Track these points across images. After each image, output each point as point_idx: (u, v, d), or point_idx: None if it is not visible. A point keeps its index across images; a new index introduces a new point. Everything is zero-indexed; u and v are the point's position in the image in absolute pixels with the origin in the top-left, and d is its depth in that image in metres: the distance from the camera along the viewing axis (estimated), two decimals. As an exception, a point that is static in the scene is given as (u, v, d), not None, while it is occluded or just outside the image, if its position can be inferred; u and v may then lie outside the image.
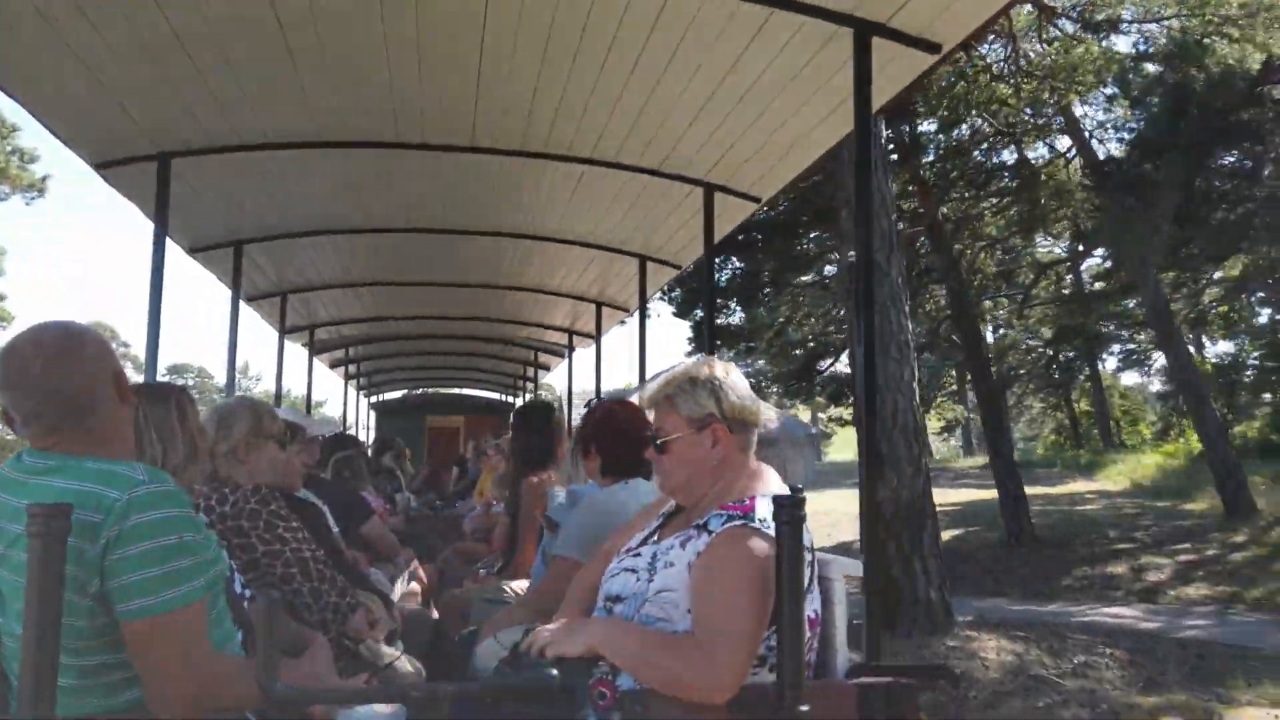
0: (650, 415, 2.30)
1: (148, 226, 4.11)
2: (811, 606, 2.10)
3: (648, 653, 1.94)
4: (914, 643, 8.42)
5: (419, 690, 1.49)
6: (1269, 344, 30.88)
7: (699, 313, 18.72)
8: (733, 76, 3.33)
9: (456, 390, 16.56)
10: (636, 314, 6.73)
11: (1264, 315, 31.39)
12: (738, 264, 19.79)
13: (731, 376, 2.21)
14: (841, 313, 19.97)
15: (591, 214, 5.35)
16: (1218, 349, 38.21)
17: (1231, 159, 18.67)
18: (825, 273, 20.95)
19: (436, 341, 10.69)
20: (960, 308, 16.95)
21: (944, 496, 26.39)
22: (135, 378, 2.31)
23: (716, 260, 16.91)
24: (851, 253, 9.10)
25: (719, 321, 19.25)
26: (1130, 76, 17.75)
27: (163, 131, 3.85)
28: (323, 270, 6.73)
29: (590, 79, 3.46)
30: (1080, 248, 23.74)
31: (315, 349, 9.32)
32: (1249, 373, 32.55)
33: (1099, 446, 38.51)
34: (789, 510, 1.86)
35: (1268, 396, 32.67)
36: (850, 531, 18.77)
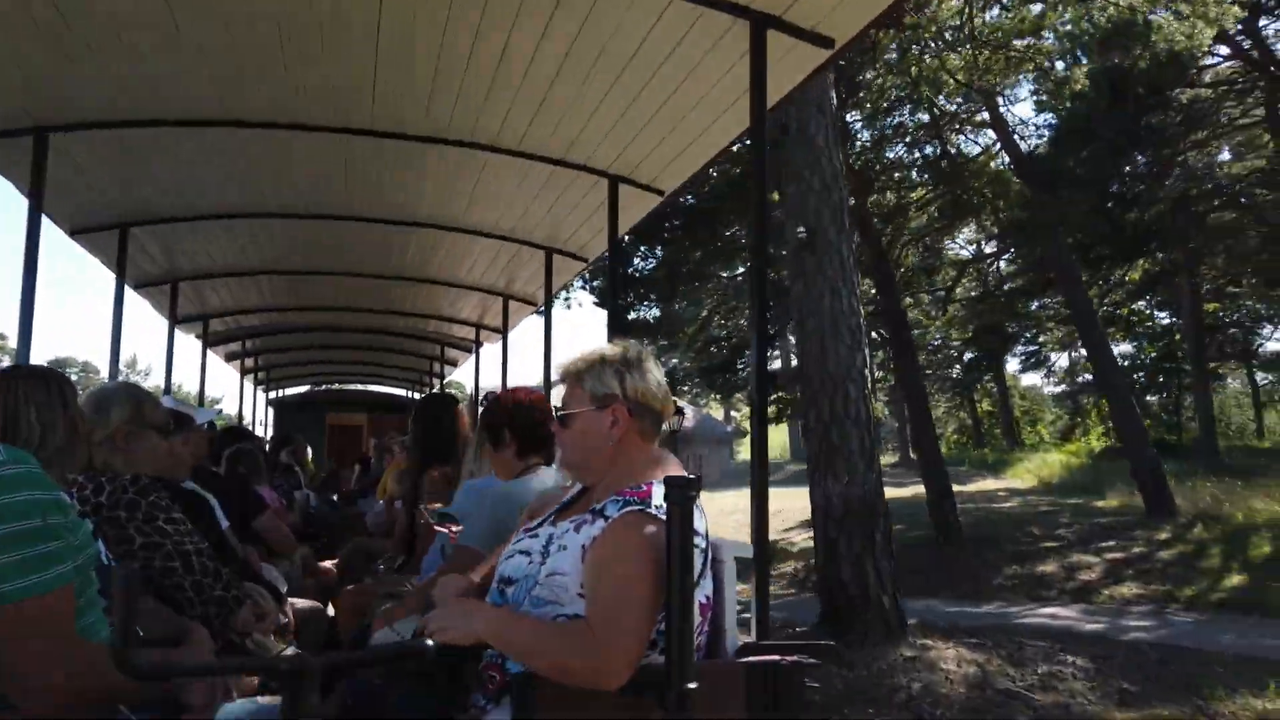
0: (560, 390, 2.31)
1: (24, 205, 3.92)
2: (704, 591, 2.13)
3: (537, 641, 1.93)
4: (867, 653, 7.81)
5: (286, 662, 1.45)
6: (1165, 346, 32.27)
7: (619, 302, 18.40)
8: (634, 66, 3.35)
9: (359, 386, 16.21)
10: (547, 307, 6.69)
11: (1164, 317, 32.94)
12: (660, 253, 19.19)
13: (644, 363, 2.25)
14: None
15: (496, 204, 5.30)
16: (1118, 350, 40.03)
17: (1144, 160, 19.05)
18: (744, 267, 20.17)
19: (339, 335, 10.42)
20: (889, 301, 16.76)
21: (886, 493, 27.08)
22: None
23: (640, 249, 16.65)
24: (801, 229, 8.93)
25: (638, 315, 18.77)
26: (1059, 63, 17.69)
27: (40, 104, 3.66)
28: (217, 257, 6.48)
29: (491, 64, 3.43)
30: (997, 245, 24.01)
31: (209, 341, 8.99)
32: (1143, 374, 34.02)
33: (1003, 445, 39.74)
34: (679, 492, 1.88)
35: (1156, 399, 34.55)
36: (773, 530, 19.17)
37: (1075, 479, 24.54)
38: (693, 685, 1.83)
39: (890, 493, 24.55)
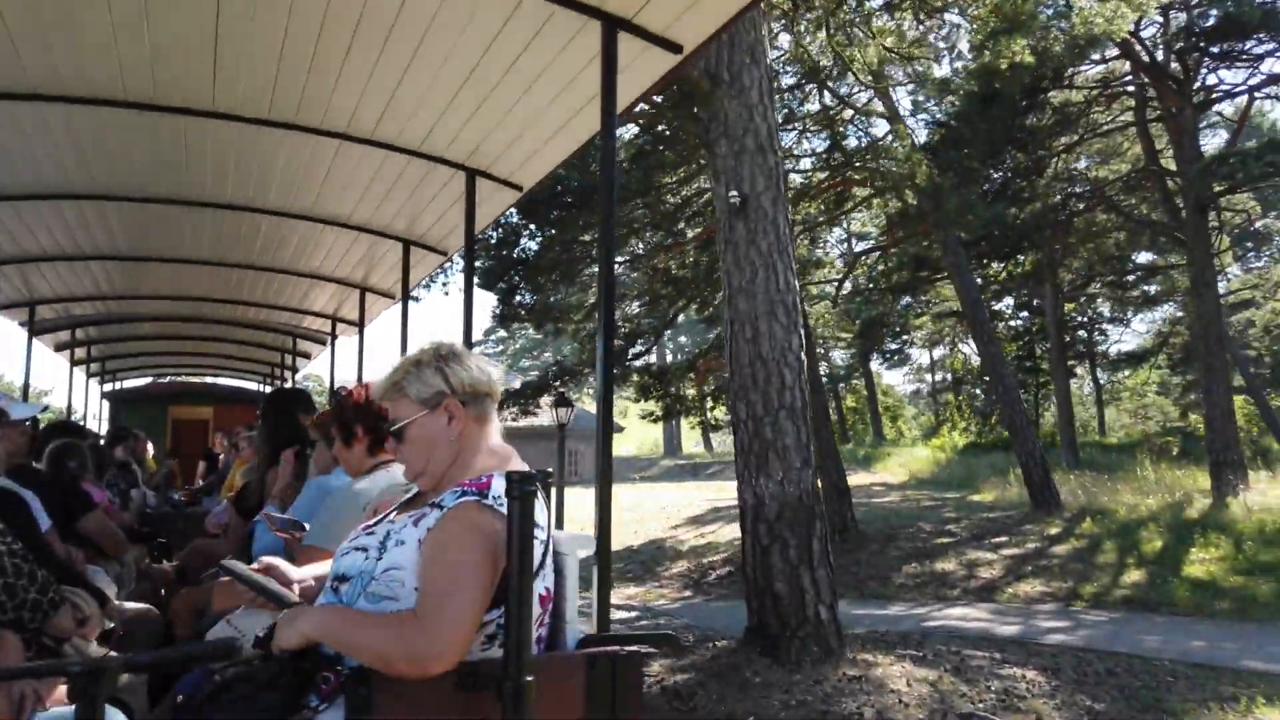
0: (388, 406, 2.27)
1: None
2: (544, 583, 2.14)
3: (361, 633, 1.91)
4: (806, 675, 7.16)
5: (78, 664, 1.38)
6: (1027, 345, 33.81)
7: (505, 285, 17.37)
8: (489, 60, 3.34)
9: (206, 379, 15.43)
10: (405, 300, 6.55)
11: (1023, 316, 34.37)
12: (547, 235, 17.64)
13: (459, 353, 2.24)
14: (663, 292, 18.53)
15: (351, 194, 5.16)
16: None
17: (1022, 160, 19.32)
18: (642, 248, 19.15)
19: (183, 325, 9.88)
20: None
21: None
22: None
23: (529, 229, 16.20)
24: (734, 193, 8.10)
25: (523, 301, 17.85)
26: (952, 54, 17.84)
27: None
28: (44, 240, 6.05)
29: (341, 47, 3.35)
30: (888, 238, 23.19)
31: (35, 329, 8.38)
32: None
33: (869, 441, 40.52)
34: (519, 485, 1.90)
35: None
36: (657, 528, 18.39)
37: (945, 474, 25.04)
38: (529, 678, 1.86)
39: None
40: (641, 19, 2.83)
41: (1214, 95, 19.69)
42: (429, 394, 2.18)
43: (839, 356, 43.79)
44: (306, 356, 11.30)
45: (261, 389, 14.48)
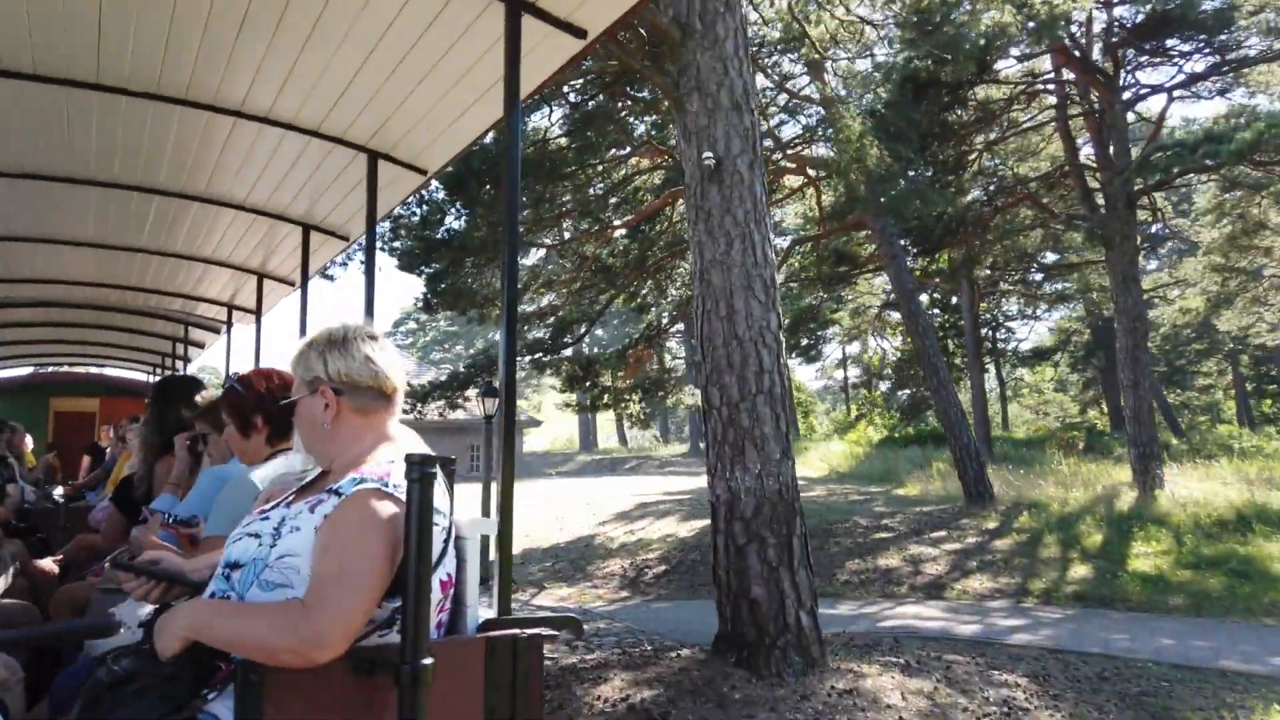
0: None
1: None
2: (446, 570, 2.13)
3: (240, 625, 1.88)
4: (791, 689, 6.57)
5: None
6: (942, 339, 34.75)
7: (431, 268, 16.20)
8: (390, 39, 3.27)
9: (91, 369, 14.72)
10: (304, 287, 6.37)
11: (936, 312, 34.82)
12: (470, 214, 16.20)
13: (352, 342, 2.22)
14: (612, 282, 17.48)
15: (247, 175, 4.99)
16: (895, 344, 42.02)
17: (946, 155, 19.20)
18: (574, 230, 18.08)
19: (67, 311, 9.39)
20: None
21: (668, 484, 25.25)
22: None
23: (455, 207, 15.50)
24: (708, 155, 7.51)
25: (448, 285, 16.35)
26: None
27: None
28: None
29: (234, 19, 3.23)
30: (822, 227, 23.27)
31: None
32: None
33: (788, 435, 41.77)
34: (419, 469, 1.88)
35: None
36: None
37: (864, 468, 24.99)
38: (428, 661, 1.85)
39: (695, 483, 24.88)
40: (546, 2, 2.82)
41: (1142, 92, 19.77)
42: (309, 377, 2.21)
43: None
44: (200, 346, 10.88)
45: (151, 380, 13.89)
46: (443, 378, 19.27)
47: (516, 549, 15.01)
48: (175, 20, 3.28)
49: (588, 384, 18.56)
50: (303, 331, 6.04)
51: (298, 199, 5.30)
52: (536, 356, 18.53)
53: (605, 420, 61.83)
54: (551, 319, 18.89)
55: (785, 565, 7.01)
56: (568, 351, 19.85)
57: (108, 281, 7.89)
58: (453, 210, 16.20)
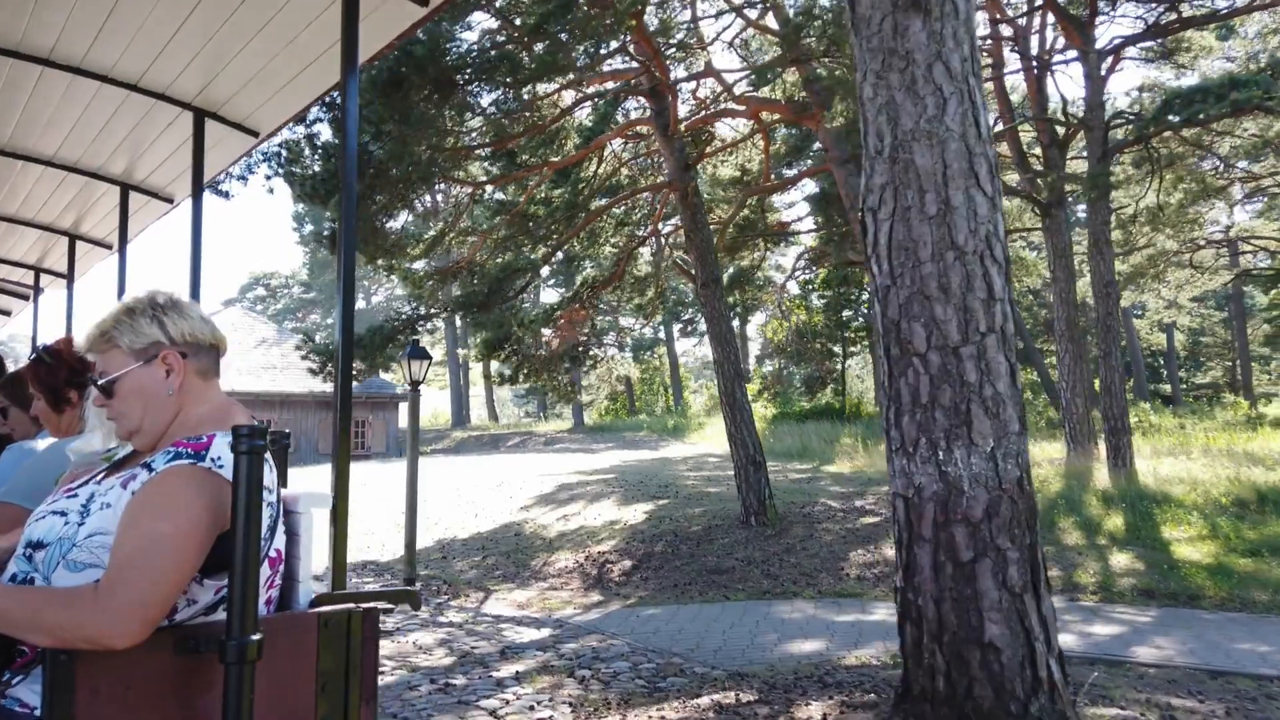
0: (95, 362, 2.11)
1: None
2: (275, 545, 2.09)
3: (34, 615, 1.76)
4: None
5: None
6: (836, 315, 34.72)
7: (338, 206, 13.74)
8: None
9: None
10: (122, 251, 5.96)
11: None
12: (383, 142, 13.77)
13: (179, 302, 2.13)
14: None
15: (57, 128, 4.62)
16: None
17: None
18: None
19: None
20: (699, 231, 14.21)
21: (573, 462, 22.79)
22: None
23: (372, 132, 13.78)
24: None
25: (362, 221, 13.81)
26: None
27: None
28: None
29: None
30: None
31: None
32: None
33: (668, 412, 40.55)
34: (247, 440, 1.84)
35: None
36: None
37: (778, 445, 23.45)
38: (255, 637, 1.82)
39: (598, 462, 23.45)
40: None
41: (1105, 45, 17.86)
42: (143, 344, 2.04)
43: (627, 323, 43.48)
44: (6, 313, 10.00)
45: None
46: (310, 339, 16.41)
47: (429, 539, 13.88)
48: None
49: (509, 351, 16.58)
50: (121, 297, 5.68)
51: (115, 156, 4.95)
52: (464, 313, 16.41)
53: (475, 394, 59.85)
54: (475, 276, 16.65)
55: (1029, 591, 4.65)
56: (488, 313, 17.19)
57: None
58: (370, 130, 13.26)
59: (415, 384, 11.52)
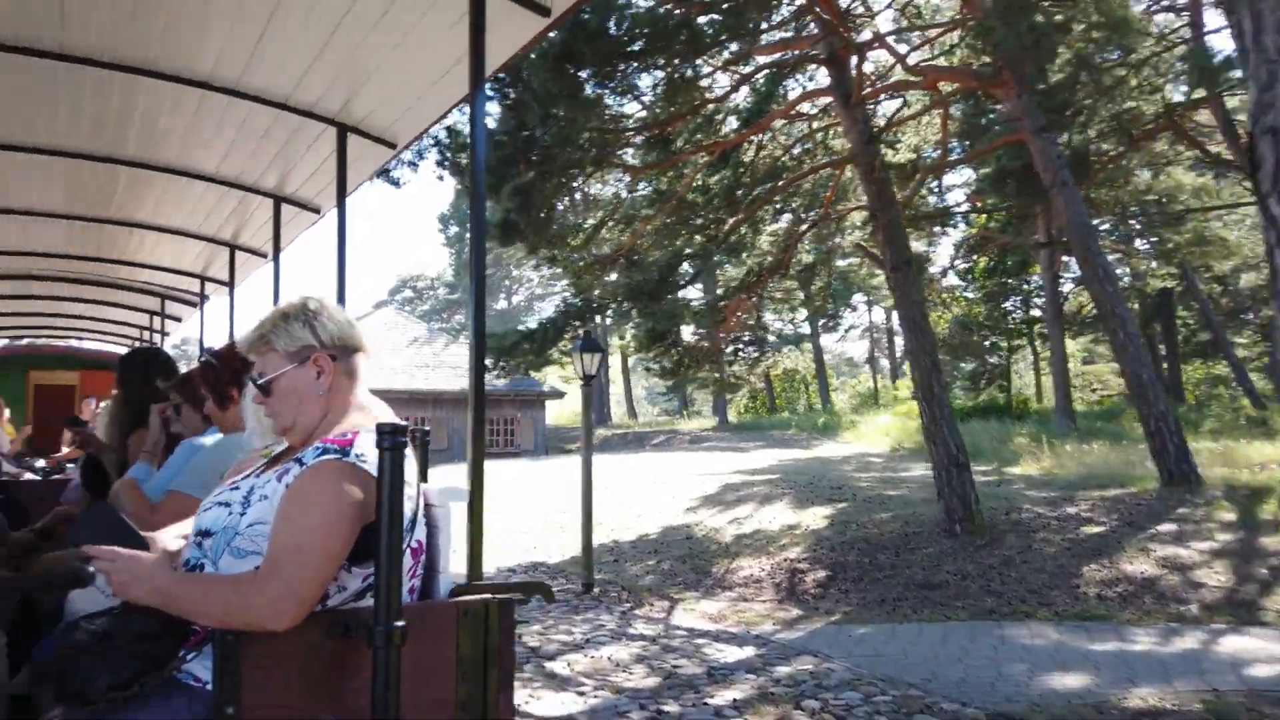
0: (254, 362, 2.27)
1: None
2: (416, 536, 2.19)
3: (205, 602, 1.91)
4: None
5: None
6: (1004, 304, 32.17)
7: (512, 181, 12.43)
8: (361, 9, 3.29)
9: (71, 343, 14.64)
10: (276, 260, 6.37)
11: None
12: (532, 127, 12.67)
13: (326, 306, 2.26)
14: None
15: (217, 146, 4.99)
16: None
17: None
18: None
19: (43, 284, 9.34)
20: (889, 210, 12.94)
21: (732, 461, 21.14)
22: None
23: (540, 114, 12.49)
24: None
25: (505, 217, 13.01)
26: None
27: None
28: None
29: None
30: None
31: None
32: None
33: (827, 409, 37.97)
34: (389, 437, 1.94)
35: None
36: None
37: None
38: (400, 623, 1.92)
39: (757, 461, 22.05)
40: None
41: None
42: (297, 347, 2.18)
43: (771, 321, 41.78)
44: (177, 319, 10.85)
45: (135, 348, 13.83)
46: (530, 327, 15.66)
47: (598, 539, 12.21)
48: None
49: (669, 343, 15.54)
50: (276, 303, 6.08)
51: (268, 171, 5.30)
52: (618, 306, 15.20)
53: (612, 391, 57.30)
54: (632, 266, 15.33)
55: None
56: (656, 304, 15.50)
57: (81, 253, 7.85)
58: (538, 111, 12.00)
59: (588, 378, 10.50)
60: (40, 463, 8.88)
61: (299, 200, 5.68)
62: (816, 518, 12.90)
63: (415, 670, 2.07)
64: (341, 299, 4.42)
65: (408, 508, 2.07)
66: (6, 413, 9.66)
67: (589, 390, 10.60)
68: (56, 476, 7.55)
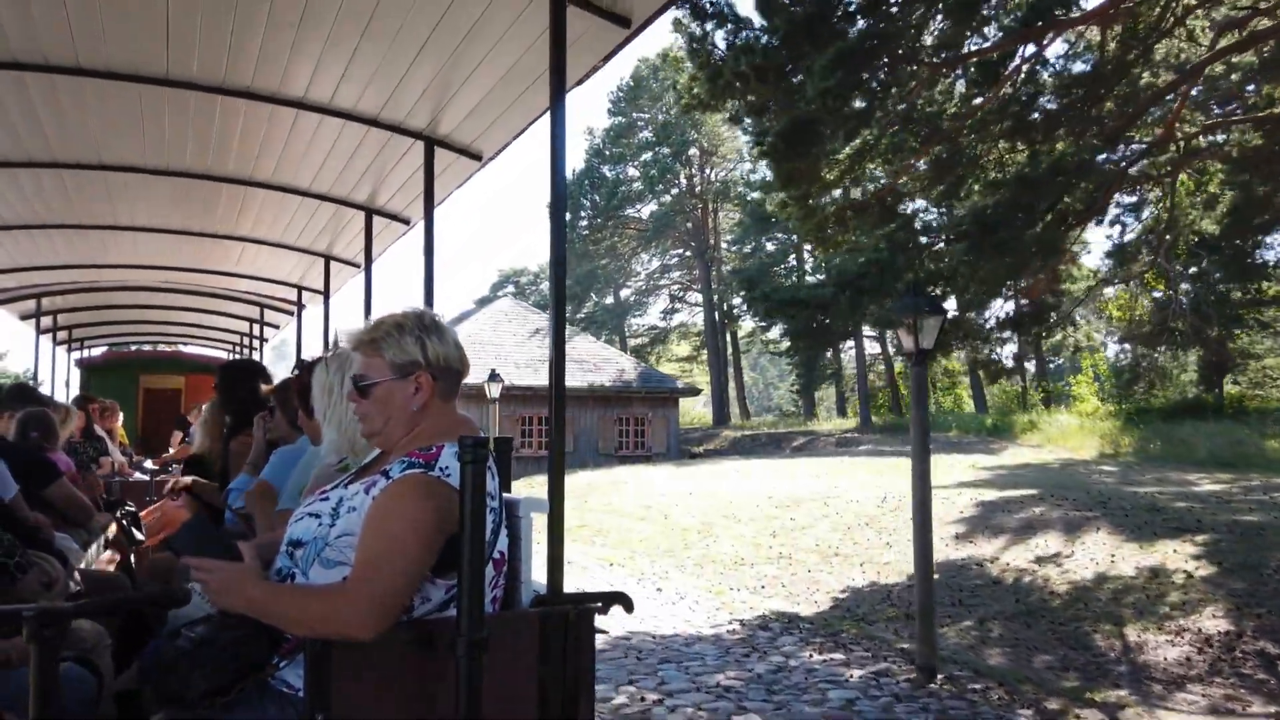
0: (357, 358, 2.31)
1: None
2: (499, 548, 2.22)
3: (296, 611, 1.98)
4: None
5: (31, 609, 1.45)
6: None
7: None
8: (446, 26, 3.36)
9: (178, 348, 15.39)
10: (368, 270, 6.55)
11: None
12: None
13: (441, 325, 2.30)
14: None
15: (311, 162, 5.17)
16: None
17: None
18: None
19: (150, 294, 9.85)
20: None
21: (950, 470, 16.96)
22: None
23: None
24: None
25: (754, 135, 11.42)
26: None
27: None
28: (1, 209, 6.03)
29: (293, 13, 3.36)
30: None
31: None
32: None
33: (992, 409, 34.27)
34: (472, 451, 1.98)
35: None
36: None
37: (1176, 451, 18.69)
38: (484, 634, 1.96)
39: (981, 464, 18.43)
40: None
41: None
42: (403, 361, 2.22)
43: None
44: (275, 326, 11.28)
45: (233, 359, 14.47)
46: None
47: (843, 579, 10.21)
48: (239, 16, 3.43)
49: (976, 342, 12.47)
50: (367, 311, 6.28)
51: (360, 185, 5.46)
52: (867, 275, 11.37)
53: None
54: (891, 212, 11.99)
55: None
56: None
57: (185, 265, 8.23)
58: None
59: (922, 354, 6.81)
60: (149, 463, 9.33)
61: (389, 212, 5.84)
62: (1182, 557, 9.39)
63: (497, 679, 2.10)
64: (429, 305, 4.53)
65: (489, 519, 2.10)
66: (121, 416, 10.16)
67: (921, 371, 6.94)
68: (162, 477, 7.90)
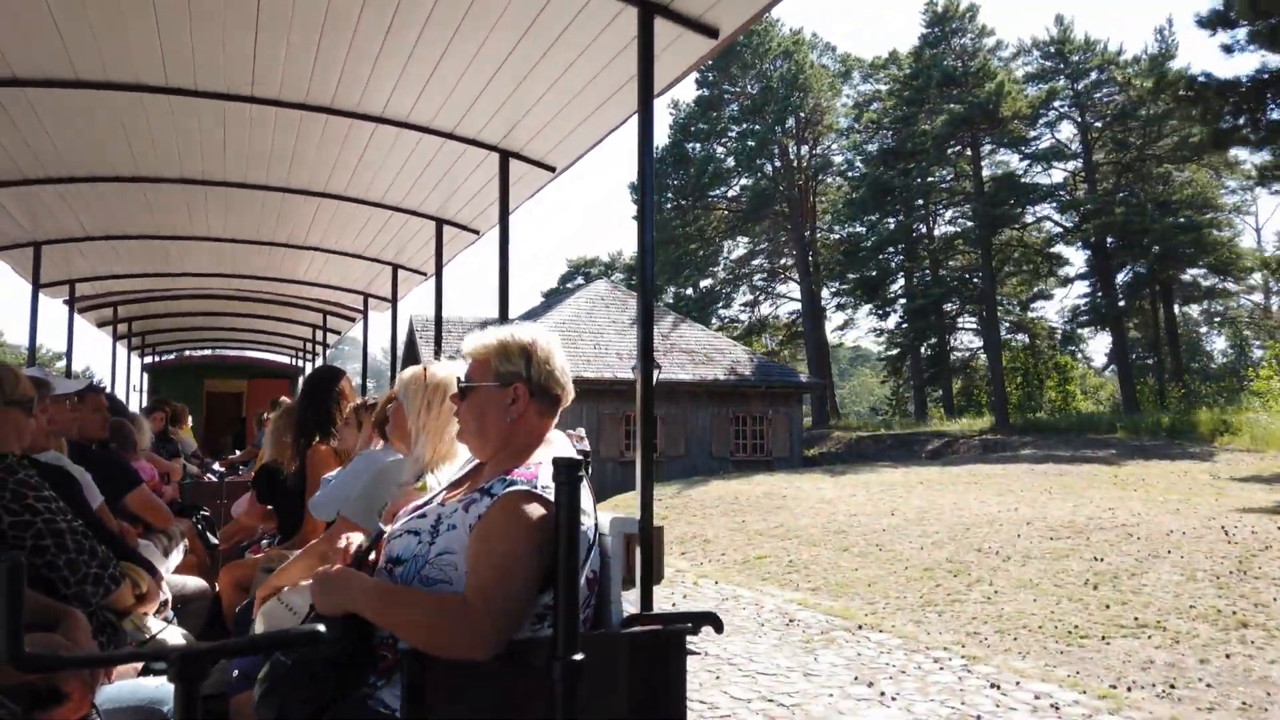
0: (468, 362, 2.36)
1: None
2: (591, 567, 2.21)
3: (412, 614, 1.98)
4: None
5: (177, 652, 1.46)
6: None
7: None
8: (525, 43, 3.37)
9: (241, 353, 15.73)
10: (438, 279, 6.62)
11: None
12: None
13: (551, 348, 2.31)
14: None
15: (385, 174, 5.24)
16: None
17: None
18: None
19: (218, 301, 10.08)
20: None
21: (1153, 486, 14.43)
22: None
23: None
24: None
25: None
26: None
27: None
28: (85, 220, 6.21)
29: (378, 33, 3.40)
30: None
31: (77, 306, 8.56)
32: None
33: (1169, 406, 29.97)
34: (567, 472, 1.96)
35: None
36: None
37: None
38: (579, 657, 1.93)
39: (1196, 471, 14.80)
40: (679, 4, 2.85)
41: None
42: (506, 369, 2.25)
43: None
44: (336, 332, 11.47)
45: (295, 364, 14.74)
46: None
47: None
48: (324, 36, 3.47)
49: None
50: (437, 317, 6.34)
51: (432, 196, 5.52)
52: None
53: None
54: None
55: None
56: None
57: (256, 274, 8.40)
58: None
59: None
60: (217, 465, 9.53)
61: (459, 222, 5.89)
62: None
63: (587, 697, 2.07)
64: (504, 314, 4.55)
65: (583, 539, 2.09)
66: (189, 419, 10.40)
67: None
68: (230, 478, 8.04)
